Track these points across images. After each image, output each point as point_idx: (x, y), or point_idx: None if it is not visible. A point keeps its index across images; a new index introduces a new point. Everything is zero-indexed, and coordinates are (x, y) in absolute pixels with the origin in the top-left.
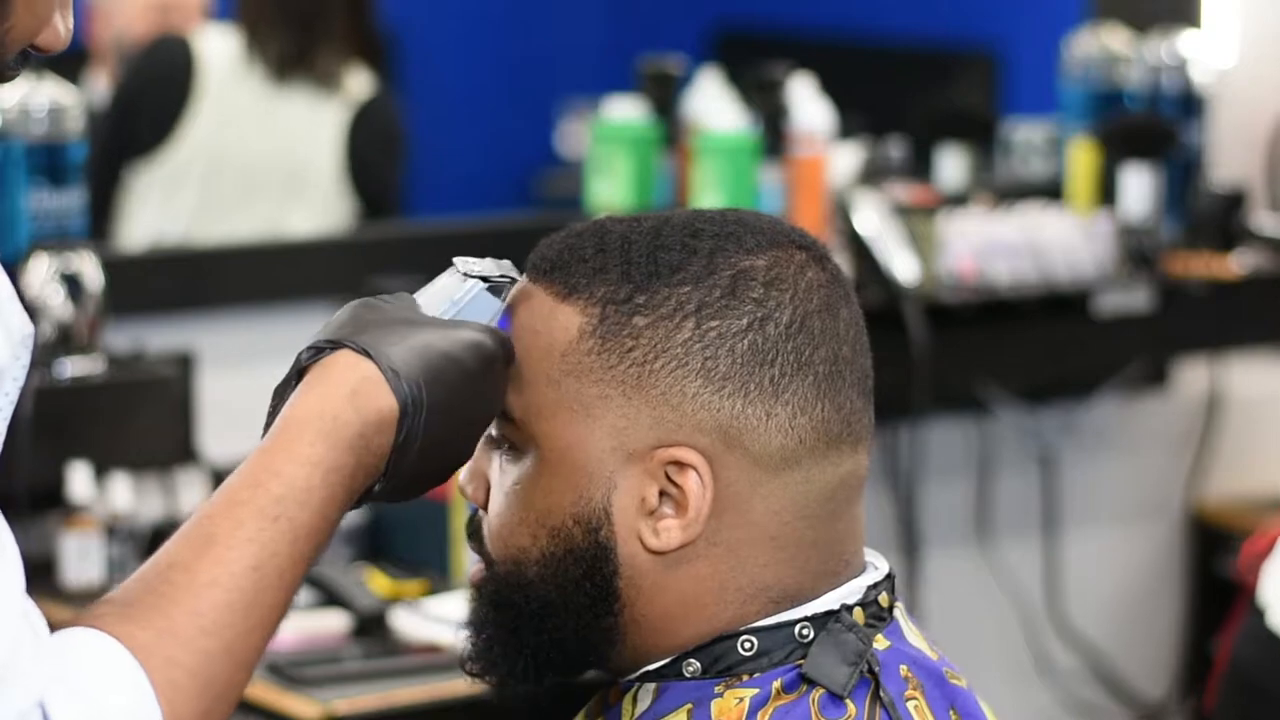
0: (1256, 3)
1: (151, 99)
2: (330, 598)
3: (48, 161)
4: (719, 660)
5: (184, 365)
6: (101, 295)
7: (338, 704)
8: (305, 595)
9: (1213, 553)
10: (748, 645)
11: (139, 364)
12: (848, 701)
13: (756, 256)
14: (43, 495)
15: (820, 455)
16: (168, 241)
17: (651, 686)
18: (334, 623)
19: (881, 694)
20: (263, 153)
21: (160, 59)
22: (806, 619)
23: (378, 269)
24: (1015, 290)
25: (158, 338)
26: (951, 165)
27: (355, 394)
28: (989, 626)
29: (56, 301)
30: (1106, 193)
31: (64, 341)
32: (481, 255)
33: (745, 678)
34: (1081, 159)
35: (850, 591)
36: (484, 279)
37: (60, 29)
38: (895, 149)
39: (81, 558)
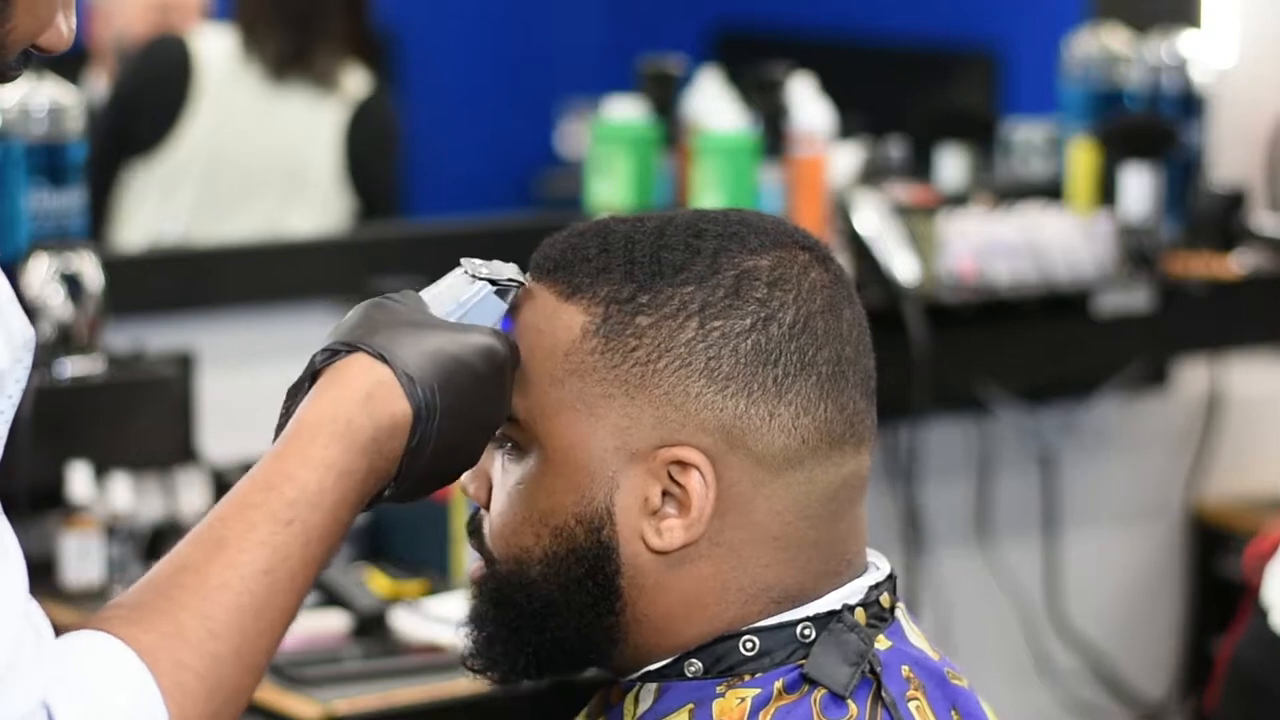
0: (1256, 3)
1: (149, 99)
2: (330, 598)
3: (48, 161)
4: (721, 660)
5: (184, 365)
6: (101, 295)
7: (338, 704)
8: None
9: (1213, 553)
10: (749, 645)
11: (139, 364)
12: (849, 702)
13: (760, 257)
14: (43, 495)
15: (823, 455)
16: (166, 241)
17: (653, 686)
18: (334, 623)
19: (883, 694)
20: (261, 152)
21: (158, 59)
22: (808, 619)
23: (378, 269)
24: (1015, 290)
25: (158, 338)
26: (951, 165)
27: (370, 398)
28: (989, 626)
29: (56, 301)
30: (1106, 193)
31: (64, 341)
32: (482, 255)
33: (747, 678)
34: (1081, 159)
35: (852, 592)
36: (492, 282)
37: (63, 29)
38: (895, 149)
39: (81, 558)
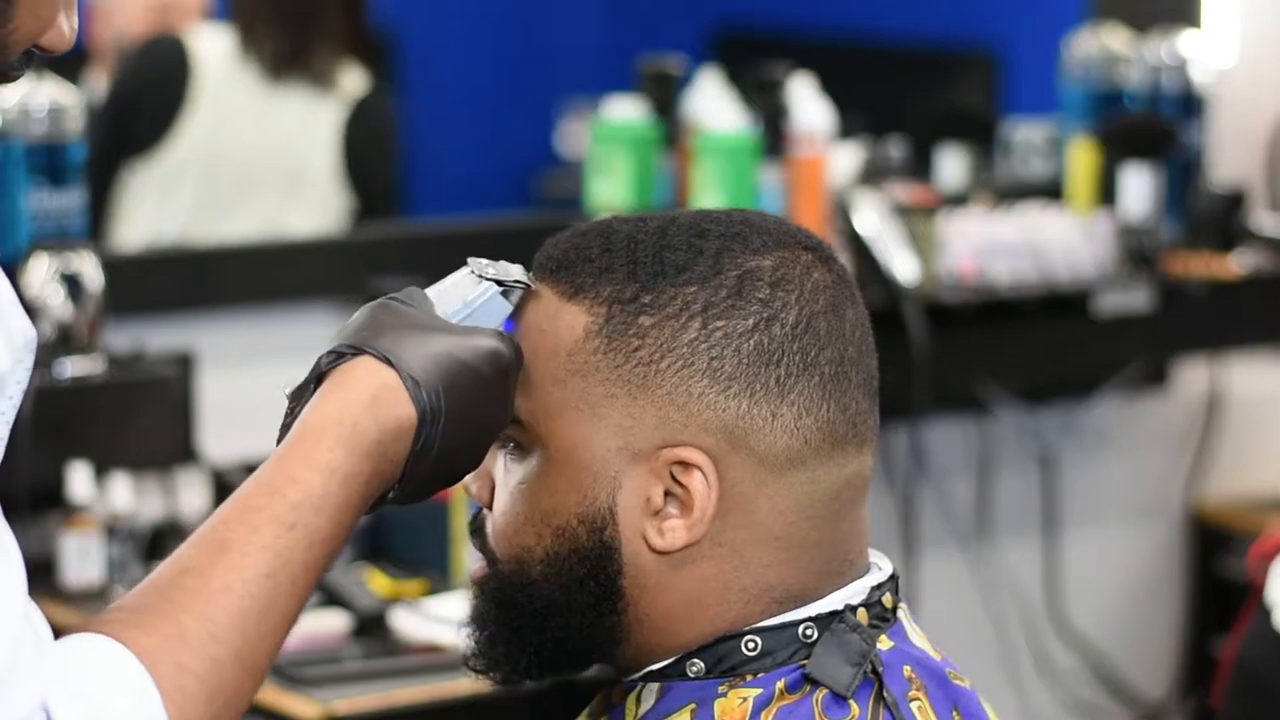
0: (1256, 3)
1: (148, 98)
2: (330, 598)
3: (48, 161)
4: (723, 660)
5: (184, 365)
6: (101, 295)
7: (338, 704)
8: None
9: (1213, 553)
10: (751, 645)
11: (139, 364)
12: (851, 702)
13: (763, 257)
14: (43, 495)
15: (825, 456)
16: (165, 240)
17: (655, 686)
18: (334, 623)
19: (885, 694)
20: (259, 151)
21: (156, 58)
22: (810, 619)
23: (378, 269)
24: (1015, 290)
25: (158, 338)
26: (951, 165)
27: (375, 402)
28: (989, 626)
29: (56, 301)
30: (1106, 193)
31: (64, 341)
32: (482, 255)
33: (749, 677)
34: (1081, 159)
35: (854, 592)
36: (498, 283)
37: (65, 29)
38: (895, 149)
39: (81, 558)
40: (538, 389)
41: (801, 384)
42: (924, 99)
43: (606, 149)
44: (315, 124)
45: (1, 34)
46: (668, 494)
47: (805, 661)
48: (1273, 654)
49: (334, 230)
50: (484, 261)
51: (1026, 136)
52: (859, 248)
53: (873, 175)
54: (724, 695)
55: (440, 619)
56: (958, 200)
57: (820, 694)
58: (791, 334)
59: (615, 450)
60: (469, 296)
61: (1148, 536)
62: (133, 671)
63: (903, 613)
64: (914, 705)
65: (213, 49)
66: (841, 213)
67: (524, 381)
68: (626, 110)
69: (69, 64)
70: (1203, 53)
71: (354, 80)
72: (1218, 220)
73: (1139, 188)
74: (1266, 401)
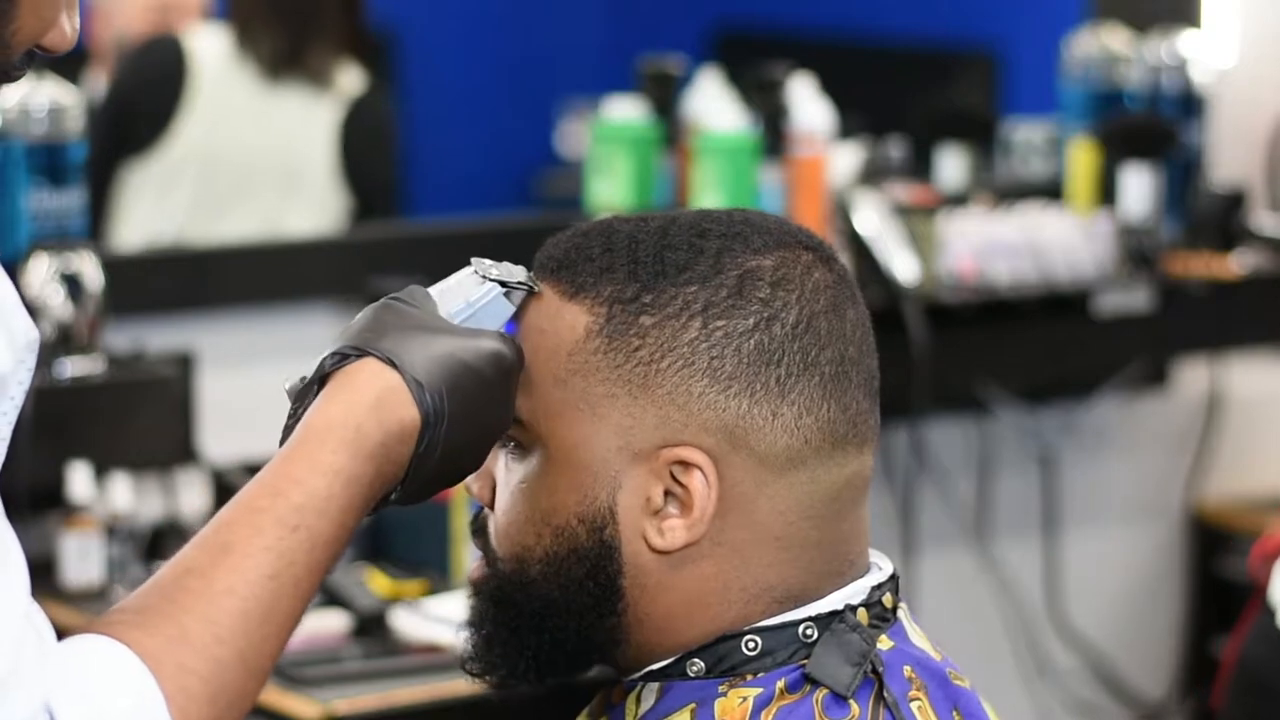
0: (1256, 3)
1: (145, 98)
2: (330, 598)
3: (48, 161)
4: (723, 660)
5: (184, 365)
6: (101, 295)
7: (338, 704)
8: None
9: (1213, 553)
10: (752, 645)
11: (139, 364)
12: (851, 702)
13: (763, 257)
14: (43, 495)
15: (826, 456)
16: (163, 239)
17: (655, 686)
18: (334, 623)
19: (885, 694)
20: (256, 150)
21: (153, 58)
22: (810, 619)
23: (378, 269)
24: (1015, 290)
25: (158, 338)
26: (951, 165)
27: (379, 404)
28: (989, 626)
29: (56, 301)
30: (1106, 193)
31: (64, 341)
32: (482, 255)
33: (749, 677)
34: (1081, 159)
35: (854, 592)
36: (501, 284)
37: (66, 29)
38: (895, 149)
39: (81, 558)
40: (538, 389)
41: (802, 384)
42: (924, 99)
43: (606, 149)
44: (313, 123)
45: (4, 34)
46: (668, 494)
47: (805, 661)
48: (1276, 654)
49: (334, 230)
50: (487, 262)
51: (1026, 136)
52: (859, 248)
53: (873, 175)
54: (724, 695)
55: (440, 619)
56: (958, 200)
57: (820, 694)
58: (792, 334)
59: (615, 450)
60: (472, 296)
61: (1148, 536)
62: (136, 673)
63: (903, 613)
64: (914, 705)
65: (210, 48)
66: (841, 213)
67: (524, 381)
68: (626, 110)
69: (69, 64)
70: (1203, 53)
71: (351, 79)
72: (1218, 220)
73: (1139, 188)
74: (1266, 401)
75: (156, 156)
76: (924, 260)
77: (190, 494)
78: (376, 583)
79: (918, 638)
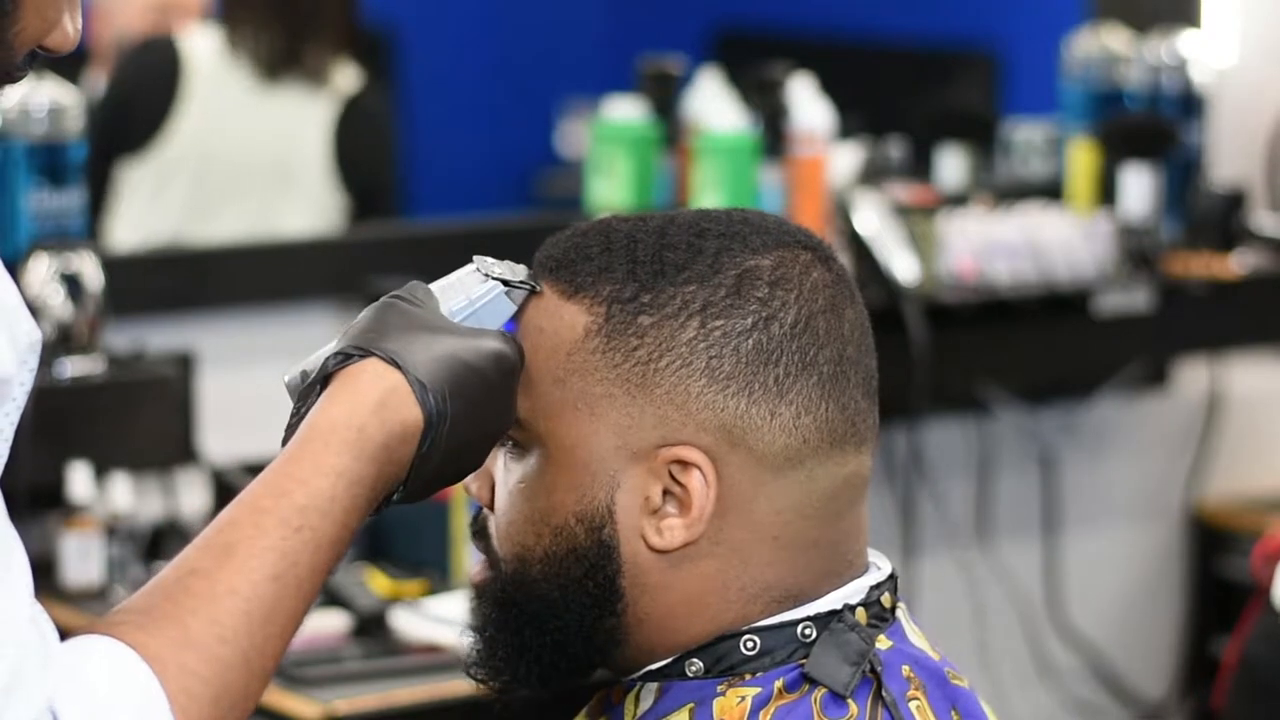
0: (1256, 3)
1: (139, 98)
2: (330, 598)
3: (48, 161)
4: (721, 659)
5: (184, 365)
6: (101, 295)
7: (338, 704)
8: None
9: (1213, 553)
10: (750, 645)
11: (139, 364)
12: (850, 701)
13: (762, 256)
14: (43, 495)
15: (824, 455)
16: (157, 237)
17: (654, 686)
18: (334, 623)
19: (884, 694)
20: (250, 148)
21: (146, 59)
22: (809, 619)
23: (377, 269)
24: (1015, 290)
25: (158, 338)
26: (951, 165)
27: (382, 405)
28: (989, 626)
29: (56, 301)
30: (1106, 193)
31: (64, 341)
32: (484, 255)
33: (748, 676)
34: (1081, 159)
35: (853, 591)
36: (504, 283)
37: (69, 30)
38: (895, 149)
39: (81, 558)
40: (537, 388)
41: (800, 383)
42: (924, 99)
43: (606, 149)
44: (307, 121)
45: (7, 35)
46: (666, 493)
47: (804, 661)
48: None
49: (334, 230)
50: (490, 260)
51: (1026, 136)
52: (859, 248)
53: (873, 175)
54: (722, 694)
55: (440, 619)
56: (958, 200)
57: (819, 693)
58: (790, 333)
59: (614, 449)
60: (474, 294)
61: (1148, 536)
62: (139, 674)
63: (901, 612)
64: (913, 705)
65: (205, 47)
66: (841, 213)
67: (523, 380)
68: (626, 110)
69: (69, 64)
70: (1203, 53)
71: (346, 77)
72: (1218, 220)
73: (1139, 188)
74: (1266, 401)
75: (151, 155)
76: (924, 260)
77: (190, 494)
78: (376, 583)
79: (916, 637)
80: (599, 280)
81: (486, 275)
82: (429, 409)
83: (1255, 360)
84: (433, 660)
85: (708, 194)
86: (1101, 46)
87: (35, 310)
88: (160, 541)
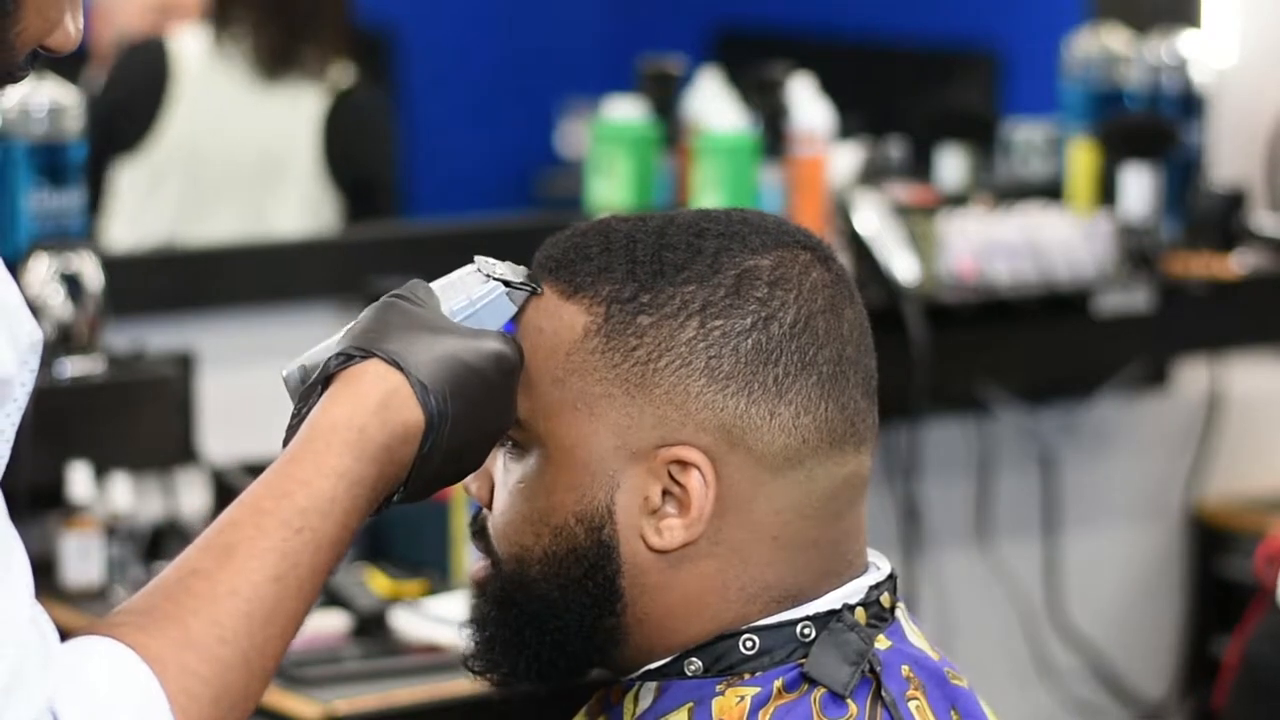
0: (1256, 3)
1: (130, 98)
2: (330, 598)
3: (48, 161)
4: (721, 659)
5: (184, 365)
6: (101, 295)
7: (338, 704)
8: None
9: (1213, 553)
10: (749, 644)
11: (139, 364)
12: (849, 701)
13: (761, 256)
14: (43, 495)
15: (823, 455)
16: (151, 236)
17: (653, 685)
18: (334, 623)
19: (883, 694)
20: (241, 146)
21: (136, 59)
22: (808, 618)
23: (377, 269)
24: (1015, 290)
25: (158, 338)
26: (951, 165)
27: (384, 406)
28: (989, 626)
29: (56, 301)
30: (1106, 193)
31: (64, 341)
32: (484, 255)
33: (747, 676)
34: (1081, 159)
35: (852, 591)
36: (505, 283)
37: (70, 30)
38: (895, 149)
39: (81, 558)
40: (536, 388)
41: (799, 383)
42: (924, 99)
43: (606, 149)
44: (297, 118)
45: (8, 35)
46: (665, 493)
47: (803, 661)
48: None
49: (334, 230)
50: (492, 260)
51: (1026, 136)
52: (859, 248)
53: (873, 175)
54: (722, 694)
55: (440, 619)
56: (958, 200)
57: (818, 693)
58: (789, 333)
59: (613, 449)
60: (474, 294)
61: (1148, 536)
62: (139, 675)
63: (901, 612)
64: (912, 705)
65: (197, 47)
66: (841, 213)
67: (523, 381)
68: (626, 110)
69: (69, 64)
70: (1203, 53)
71: (338, 74)
72: (1218, 220)
73: (1139, 188)
74: (1266, 401)
75: (144, 155)
76: (924, 260)
77: (190, 494)
78: (376, 583)
79: (916, 637)
80: (598, 280)
81: (488, 276)
82: (430, 410)
83: (1255, 360)
84: (433, 660)
85: (708, 194)
86: (1101, 46)
87: (35, 310)
88: (160, 542)
